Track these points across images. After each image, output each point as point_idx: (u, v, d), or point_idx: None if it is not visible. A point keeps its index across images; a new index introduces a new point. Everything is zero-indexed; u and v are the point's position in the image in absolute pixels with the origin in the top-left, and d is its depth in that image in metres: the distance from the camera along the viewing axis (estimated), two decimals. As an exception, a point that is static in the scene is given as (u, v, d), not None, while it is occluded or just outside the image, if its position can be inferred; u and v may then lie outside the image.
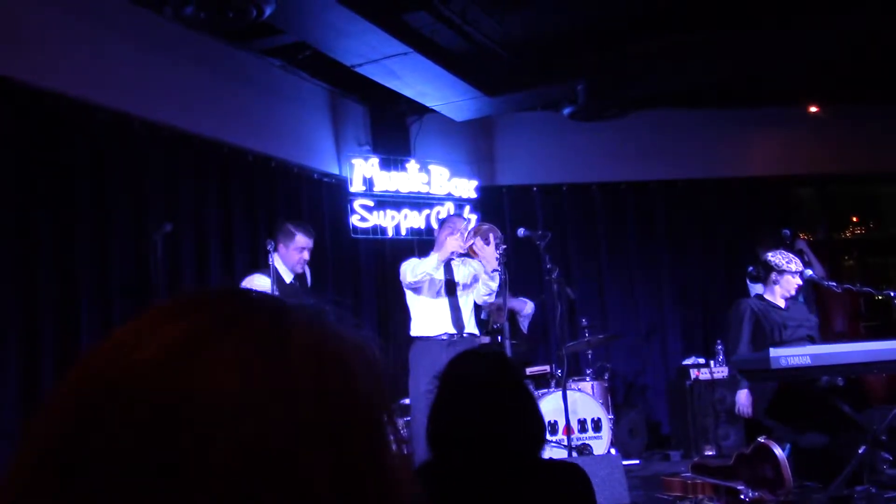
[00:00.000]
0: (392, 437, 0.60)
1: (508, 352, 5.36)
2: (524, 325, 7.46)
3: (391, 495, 0.58)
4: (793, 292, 5.48)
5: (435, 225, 7.40)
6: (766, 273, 5.52)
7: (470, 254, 5.46)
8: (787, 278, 5.46)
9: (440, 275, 5.40)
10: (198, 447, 0.52)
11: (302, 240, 5.29)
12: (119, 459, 0.52)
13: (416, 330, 5.48)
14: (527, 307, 7.49)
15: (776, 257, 5.51)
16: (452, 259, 5.46)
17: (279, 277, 5.22)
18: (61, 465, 0.53)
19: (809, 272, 5.99)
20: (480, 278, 5.44)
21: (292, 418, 0.54)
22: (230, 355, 0.55)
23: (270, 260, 5.34)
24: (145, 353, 0.55)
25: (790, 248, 6.98)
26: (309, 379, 0.56)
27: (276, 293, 5.26)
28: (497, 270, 5.33)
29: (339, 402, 0.57)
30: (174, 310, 0.59)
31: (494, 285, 5.42)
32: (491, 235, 5.32)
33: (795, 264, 5.48)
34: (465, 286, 5.50)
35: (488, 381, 2.03)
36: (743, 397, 5.37)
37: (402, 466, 0.60)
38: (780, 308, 5.44)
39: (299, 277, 5.46)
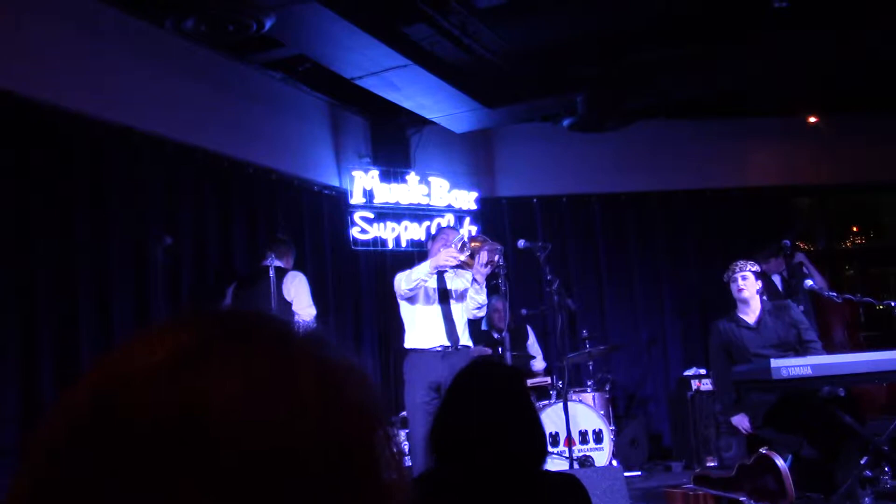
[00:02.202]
0: (390, 451, 0.62)
1: (509, 363, 5.35)
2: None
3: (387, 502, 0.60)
4: (742, 297, 5.45)
5: (436, 237, 7.40)
6: None
7: (464, 265, 5.43)
8: (731, 287, 5.49)
9: (433, 284, 5.40)
10: (203, 451, 0.53)
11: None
12: (127, 463, 0.53)
13: (410, 342, 5.47)
14: (536, 363, 7.47)
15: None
16: (446, 271, 5.45)
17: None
18: (70, 470, 0.54)
19: (810, 282, 5.99)
20: (469, 291, 5.42)
21: (296, 426, 0.56)
22: (237, 364, 0.57)
23: (272, 273, 5.39)
24: (153, 359, 0.57)
25: (789, 258, 7.00)
26: (310, 389, 0.58)
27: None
28: (479, 285, 5.33)
29: (339, 411, 0.59)
30: (181, 322, 0.61)
31: (481, 299, 5.41)
32: (484, 251, 5.30)
33: (739, 268, 5.44)
34: (459, 298, 5.49)
35: (493, 392, 2.03)
36: (738, 419, 5.37)
37: (398, 478, 0.62)
38: (747, 327, 5.41)
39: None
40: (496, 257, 5.28)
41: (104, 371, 0.58)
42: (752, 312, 5.42)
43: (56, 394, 4.81)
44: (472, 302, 5.41)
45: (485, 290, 5.40)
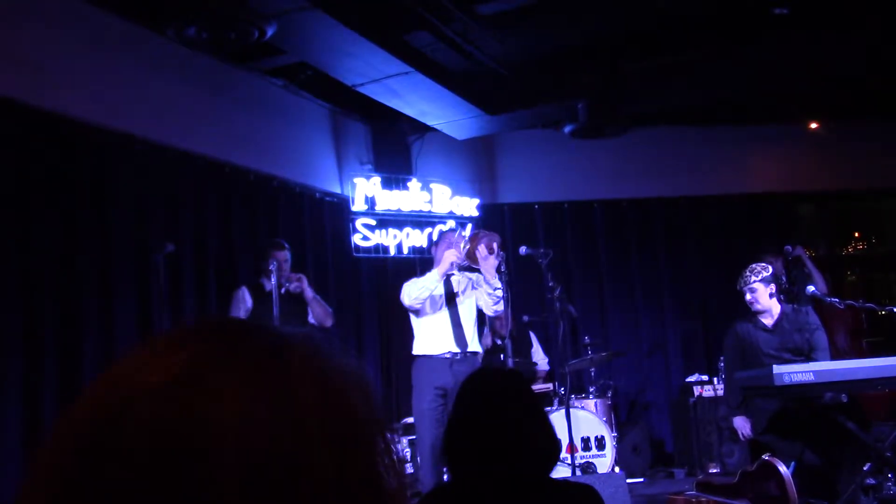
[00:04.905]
0: (388, 457, 0.62)
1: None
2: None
3: None
4: (755, 309, 5.41)
5: (437, 244, 7.38)
6: None
7: (470, 265, 5.39)
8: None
9: (440, 290, 5.37)
10: (205, 466, 0.54)
11: (278, 254, 5.73)
12: (128, 481, 0.54)
13: (418, 348, 5.45)
14: (541, 363, 7.46)
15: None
16: (453, 274, 5.43)
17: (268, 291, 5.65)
18: (72, 488, 0.55)
19: (812, 288, 5.96)
20: (482, 288, 5.36)
21: (295, 437, 0.56)
22: (234, 379, 0.58)
23: (273, 279, 5.40)
24: (152, 378, 0.57)
25: (789, 262, 6.97)
26: (309, 400, 0.59)
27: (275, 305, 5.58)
28: (497, 276, 5.26)
29: (339, 421, 0.59)
30: (179, 338, 0.62)
31: (500, 293, 5.30)
32: (492, 243, 5.27)
33: (744, 282, 5.38)
34: (467, 301, 5.46)
35: (500, 395, 2.02)
36: (739, 422, 5.36)
37: (398, 486, 0.62)
38: (764, 330, 5.38)
39: (290, 294, 5.88)
40: (494, 245, 5.23)
41: (105, 389, 0.59)
42: (770, 316, 5.40)
43: (58, 401, 4.82)
44: (490, 298, 5.27)
45: (499, 280, 5.25)
